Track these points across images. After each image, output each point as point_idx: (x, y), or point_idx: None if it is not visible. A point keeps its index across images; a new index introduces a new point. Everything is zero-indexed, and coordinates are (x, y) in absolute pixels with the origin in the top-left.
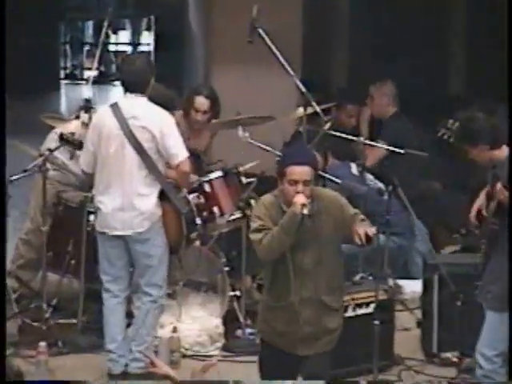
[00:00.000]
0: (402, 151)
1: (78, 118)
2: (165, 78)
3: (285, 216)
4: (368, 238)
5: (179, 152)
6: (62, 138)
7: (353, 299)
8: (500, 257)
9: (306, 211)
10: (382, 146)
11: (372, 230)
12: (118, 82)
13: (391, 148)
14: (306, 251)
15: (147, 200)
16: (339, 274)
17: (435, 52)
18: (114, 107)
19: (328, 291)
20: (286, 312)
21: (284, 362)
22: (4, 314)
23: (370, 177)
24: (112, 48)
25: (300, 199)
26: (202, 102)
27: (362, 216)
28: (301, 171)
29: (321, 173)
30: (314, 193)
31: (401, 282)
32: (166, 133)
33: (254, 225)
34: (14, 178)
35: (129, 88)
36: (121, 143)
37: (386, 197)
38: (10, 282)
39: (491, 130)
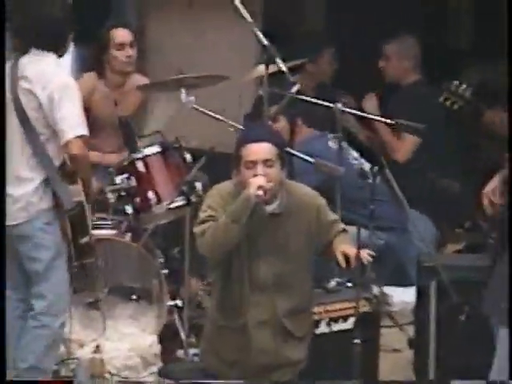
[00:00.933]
0: (392, 122)
1: None
2: (87, 31)
3: (236, 200)
4: (347, 261)
5: (68, 128)
6: None
7: (326, 311)
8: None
9: (260, 192)
10: (380, 118)
11: (353, 251)
12: None
13: (379, 119)
14: (265, 260)
15: (25, 186)
16: (307, 292)
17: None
18: (13, 65)
19: (290, 314)
20: (236, 335)
21: None
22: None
23: (353, 154)
24: None
25: (257, 180)
26: (121, 33)
27: (343, 226)
28: (258, 149)
29: (290, 150)
30: (286, 187)
31: (389, 289)
32: (57, 100)
33: (202, 215)
34: None
35: (34, 42)
36: (9, 111)
37: (370, 180)
38: None
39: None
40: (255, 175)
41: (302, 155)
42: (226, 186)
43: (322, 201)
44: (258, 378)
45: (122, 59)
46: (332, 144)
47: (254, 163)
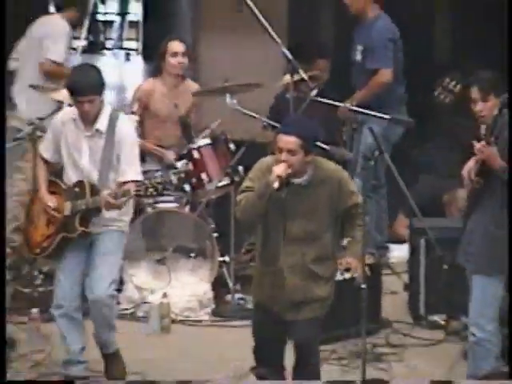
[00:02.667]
0: (387, 117)
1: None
2: (153, 47)
3: (262, 182)
4: (347, 269)
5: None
6: None
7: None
8: (481, 217)
9: (276, 185)
10: (377, 114)
11: (354, 264)
12: (106, 51)
13: (375, 114)
14: (297, 220)
15: None
16: (331, 245)
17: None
18: None
19: (317, 260)
20: (274, 277)
21: (275, 326)
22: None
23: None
24: (100, 18)
25: (278, 170)
26: (175, 44)
27: (360, 198)
28: (285, 140)
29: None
30: (315, 164)
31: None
32: None
33: (243, 185)
34: (7, 146)
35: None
36: None
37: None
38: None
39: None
40: (280, 160)
41: (321, 145)
42: (267, 161)
43: (344, 174)
44: (291, 311)
45: (175, 64)
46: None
47: (281, 150)
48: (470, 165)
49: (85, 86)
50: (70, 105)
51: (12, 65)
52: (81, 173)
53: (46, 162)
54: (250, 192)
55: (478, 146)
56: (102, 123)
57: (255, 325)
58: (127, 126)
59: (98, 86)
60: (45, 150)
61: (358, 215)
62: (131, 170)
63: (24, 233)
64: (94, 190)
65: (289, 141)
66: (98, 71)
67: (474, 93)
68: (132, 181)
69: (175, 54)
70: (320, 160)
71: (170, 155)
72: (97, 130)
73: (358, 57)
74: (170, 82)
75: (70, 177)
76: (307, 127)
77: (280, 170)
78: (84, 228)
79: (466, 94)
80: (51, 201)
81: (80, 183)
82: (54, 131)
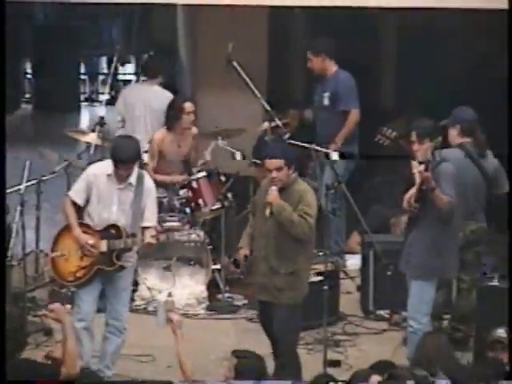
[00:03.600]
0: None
1: (93, 131)
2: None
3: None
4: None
5: None
6: None
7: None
8: (419, 233)
9: (267, 212)
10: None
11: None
12: None
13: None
14: (266, 225)
15: None
16: (290, 247)
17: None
18: None
19: (276, 258)
20: (256, 264)
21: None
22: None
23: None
24: (120, 77)
25: (269, 198)
26: (189, 105)
27: (306, 210)
28: (273, 162)
29: None
30: (289, 181)
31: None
32: None
33: None
34: (45, 178)
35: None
36: None
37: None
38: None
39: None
40: (271, 177)
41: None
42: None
43: (309, 195)
44: (263, 293)
45: (189, 120)
46: None
47: (270, 170)
48: (410, 193)
49: (126, 158)
50: (96, 146)
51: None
52: (107, 218)
53: (74, 205)
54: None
55: (419, 167)
56: (133, 179)
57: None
58: (151, 181)
59: (137, 157)
60: (77, 195)
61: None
62: (153, 217)
63: (53, 263)
64: (127, 233)
65: (275, 162)
66: (137, 143)
67: (413, 136)
68: (153, 226)
69: (189, 113)
70: (294, 177)
71: (179, 177)
72: (129, 184)
73: (326, 102)
74: (179, 132)
75: (97, 221)
76: (285, 149)
77: (271, 198)
78: (120, 263)
79: (403, 138)
80: (90, 239)
81: (114, 226)
82: (87, 182)
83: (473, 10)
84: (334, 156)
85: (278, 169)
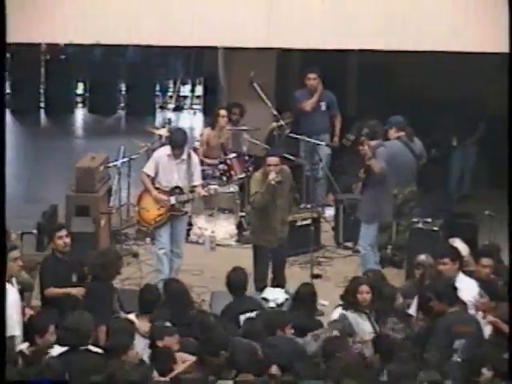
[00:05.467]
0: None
1: (163, 127)
2: (210, 109)
3: (265, 186)
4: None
5: None
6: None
7: (300, 216)
8: (366, 192)
9: (273, 182)
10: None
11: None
12: (184, 110)
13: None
14: (279, 199)
15: None
16: (288, 211)
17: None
18: None
19: (283, 222)
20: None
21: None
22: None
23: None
24: (181, 93)
25: (272, 177)
26: (223, 112)
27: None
28: (272, 160)
29: (287, 155)
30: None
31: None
32: None
33: (253, 190)
34: (133, 157)
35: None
36: None
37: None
38: None
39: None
40: (271, 172)
41: (291, 157)
42: (257, 174)
43: (289, 172)
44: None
45: (223, 122)
46: None
47: (270, 165)
48: (362, 168)
49: (179, 143)
50: (166, 137)
51: None
52: (170, 182)
53: (148, 176)
54: (258, 193)
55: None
56: (185, 156)
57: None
58: (196, 157)
59: (186, 142)
60: (150, 170)
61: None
62: (199, 179)
63: (139, 213)
64: (187, 191)
65: (275, 160)
66: (185, 133)
67: (365, 136)
68: (200, 184)
69: (223, 117)
70: (283, 167)
71: (216, 160)
72: (182, 160)
73: (323, 108)
74: (219, 129)
75: (165, 184)
76: (280, 152)
77: (272, 177)
78: (185, 209)
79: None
80: (164, 196)
81: (178, 187)
82: (155, 161)
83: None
84: (322, 144)
85: (276, 165)
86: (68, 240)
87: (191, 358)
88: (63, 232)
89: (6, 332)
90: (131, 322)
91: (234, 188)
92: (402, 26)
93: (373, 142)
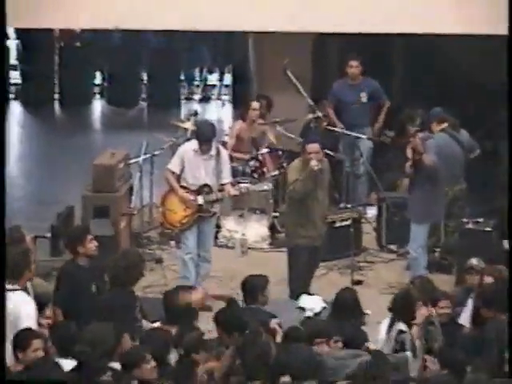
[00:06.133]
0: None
1: (189, 120)
2: (239, 100)
3: (305, 173)
4: None
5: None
6: None
7: (339, 217)
8: (416, 190)
9: (316, 168)
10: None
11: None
12: (212, 101)
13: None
14: (319, 191)
15: None
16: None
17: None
18: None
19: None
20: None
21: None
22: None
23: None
24: (209, 82)
25: (314, 163)
26: (255, 104)
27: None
28: (313, 147)
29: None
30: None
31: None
32: None
33: (293, 177)
34: (156, 153)
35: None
36: None
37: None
38: None
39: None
40: (312, 159)
41: (329, 152)
42: (296, 163)
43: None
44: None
45: (254, 114)
46: None
47: (310, 153)
48: (408, 163)
49: (207, 137)
50: (192, 131)
51: None
52: (198, 180)
53: (173, 174)
54: (297, 181)
55: (414, 141)
56: (213, 151)
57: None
58: (225, 152)
59: (213, 136)
60: (175, 167)
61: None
62: (229, 177)
63: (164, 215)
64: (216, 189)
65: (316, 147)
66: (213, 126)
67: (410, 130)
68: (229, 182)
69: (254, 109)
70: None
71: (247, 156)
72: (211, 155)
73: (364, 99)
74: (249, 122)
75: (192, 182)
76: (319, 139)
77: (315, 163)
78: (214, 210)
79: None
80: (191, 196)
81: (206, 185)
82: (180, 157)
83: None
84: (364, 137)
85: (317, 152)
86: (96, 244)
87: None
88: (90, 235)
89: (5, 332)
90: (166, 331)
91: (266, 186)
92: (450, 8)
93: (421, 134)
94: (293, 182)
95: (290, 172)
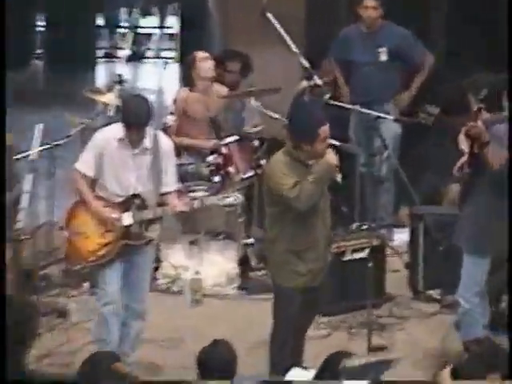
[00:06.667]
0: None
1: (110, 90)
2: (189, 52)
3: (320, 170)
4: None
5: None
6: None
7: (350, 245)
8: (473, 202)
9: (340, 176)
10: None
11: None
12: (147, 60)
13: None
14: (323, 197)
15: None
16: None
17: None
18: None
19: (330, 227)
20: (315, 252)
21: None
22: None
23: None
24: (142, 31)
25: (334, 160)
26: (202, 53)
27: None
28: (327, 129)
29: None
30: None
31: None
32: None
33: (289, 182)
34: (58, 142)
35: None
36: None
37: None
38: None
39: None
40: (327, 146)
41: (332, 141)
42: (281, 158)
43: None
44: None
45: (205, 67)
46: None
47: (324, 139)
48: (463, 158)
49: (139, 118)
50: (115, 108)
51: None
52: (126, 187)
53: (85, 177)
54: (303, 182)
55: (470, 124)
56: (148, 142)
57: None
58: (167, 142)
59: (149, 117)
60: (87, 167)
61: None
62: (173, 182)
63: (69, 242)
64: (154, 201)
65: (328, 129)
66: (148, 103)
67: (473, 106)
68: (175, 191)
69: (203, 59)
70: None
71: (208, 142)
72: (145, 148)
73: (383, 57)
74: (201, 86)
75: (114, 190)
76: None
77: (335, 159)
78: (150, 235)
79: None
80: (113, 212)
81: (137, 196)
82: (95, 150)
83: None
84: (389, 118)
85: (327, 138)
86: None
87: None
88: None
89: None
90: None
91: (234, 197)
92: None
93: (486, 114)
94: (292, 186)
95: (273, 171)
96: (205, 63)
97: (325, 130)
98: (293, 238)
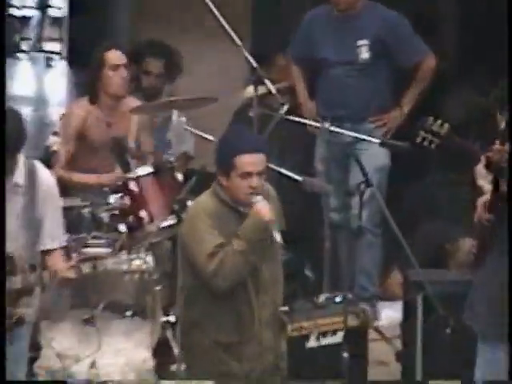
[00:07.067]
0: (377, 141)
1: None
2: (81, 50)
3: (245, 229)
4: None
5: None
6: None
7: (316, 326)
8: (493, 266)
9: (279, 237)
10: (366, 137)
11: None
12: (22, 55)
13: (365, 137)
14: (265, 264)
15: None
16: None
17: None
18: None
19: (280, 306)
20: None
21: None
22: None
23: None
24: (15, 12)
25: (268, 214)
26: (115, 55)
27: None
28: (255, 160)
29: (275, 167)
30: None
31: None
32: None
33: (208, 246)
34: None
35: None
36: None
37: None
38: None
39: None
40: (251, 187)
41: (288, 173)
42: (207, 204)
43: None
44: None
45: (117, 81)
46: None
47: (250, 174)
48: (483, 199)
49: (10, 143)
50: None
51: None
52: None
53: None
54: (226, 250)
55: (494, 148)
56: (20, 176)
57: None
58: (49, 177)
59: (23, 141)
60: None
61: None
62: (57, 234)
63: None
64: (26, 264)
65: (260, 161)
66: (21, 121)
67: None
68: (59, 248)
69: (116, 67)
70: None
71: (109, 176)
72: (15, 185)
73: (364, 55)
74: (107, 103)
75: None
76: (267, 142)
77: (269, 213)
78: (20, 312)
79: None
80: None
81: (8, 257)
82: None
83: None
84: (373, 141)
85: (261, 174)
86: None
87: None
88: None
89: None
90: None
91: (143, 260)
92: None
93: None
94: (203, 252)
95: (191, 223)
96: (117, 73)
97: (244, 161)
98: (220, 325)
